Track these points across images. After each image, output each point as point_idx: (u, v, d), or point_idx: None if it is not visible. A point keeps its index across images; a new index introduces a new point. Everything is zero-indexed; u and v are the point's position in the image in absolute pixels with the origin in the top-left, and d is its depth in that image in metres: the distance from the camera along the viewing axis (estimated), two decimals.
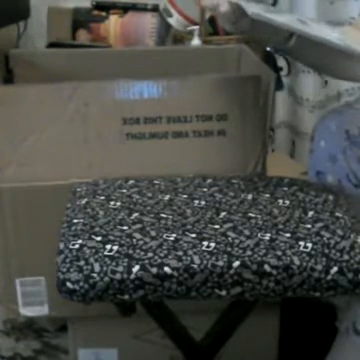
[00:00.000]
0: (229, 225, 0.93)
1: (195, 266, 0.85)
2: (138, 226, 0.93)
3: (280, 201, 1.01)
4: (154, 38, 1.95)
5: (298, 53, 1.14)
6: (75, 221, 0.95)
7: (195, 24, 1.87)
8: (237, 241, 0.89)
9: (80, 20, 2.02)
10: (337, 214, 0.97)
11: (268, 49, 1.88)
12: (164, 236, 0.90)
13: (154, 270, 0.85)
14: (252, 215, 0.96)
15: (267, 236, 0.90)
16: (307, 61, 1.21)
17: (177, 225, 0.93)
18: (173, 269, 0.85)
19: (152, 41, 1.95)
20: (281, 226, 0.93)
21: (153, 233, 0.91)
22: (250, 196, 1.03)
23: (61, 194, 1.09)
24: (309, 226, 0.93)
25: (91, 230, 0.92)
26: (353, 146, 1.11)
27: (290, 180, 1.09)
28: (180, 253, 0.86)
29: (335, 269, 0.86)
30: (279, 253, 0.87)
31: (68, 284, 0.85)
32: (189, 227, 0.92)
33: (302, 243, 0.89)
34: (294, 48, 1.10)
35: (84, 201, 1.02)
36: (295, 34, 1.08)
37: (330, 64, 1.15)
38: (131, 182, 1.09)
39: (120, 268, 0.85)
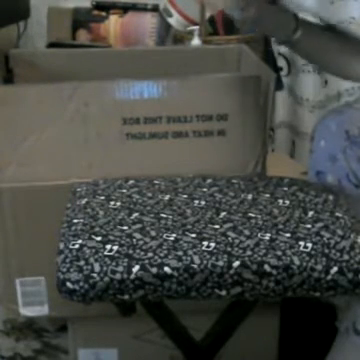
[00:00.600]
0: (229, 225, 0.93)
1: (195, 266, 0.85)
2: (138, 226, 0.93)
3: (280, 201, 1.01)
4: (154, 38, 1.95)
5: (301, 47, 1.14)
6: (75, 221, 0.95)
7: (195, 24, 1.86)
8: (237, 241, 0.89)
9: (80, 20, 2.02)
10: (337, 214, 0.97)
11: (272, 40, 1.89)
12: (164, 236, 0.90)
13: (154, 270, 0.85)
14: (252, 215, 0.96)
15: (267, 236, 0.90)
16: (309, 56, 1.21)
17: (177, 225, 0.93)
18: (173, 269, 0.85)
19: (152, 41, 1.95)
20: (281, 226, 0.93)
21: (153, 233, 0.91)
22: (250, 196, 1.03)
23: (61, 194, 1.09)
24: (309, 226, 0.93)
25: (91, 230, 0.92)
26: (353, 146, 1.11)
27: (290, 180, 1.09)
28: (180, 253, 0.86)
29: (335, 269, 0.86)
30: (279, 253, 0.87)
31: (68, 284, 0.85)
32: (189, 227, 0.92)
33: (302, 243, 0.89)
34: (298, 41, 1.11)
35: (84, 201, 1.02)
36: (300, 27, 1.08)
37: (331, 61, 1.15)
38: (131, 182, 1.09)
39: (120, 268, 0.85)
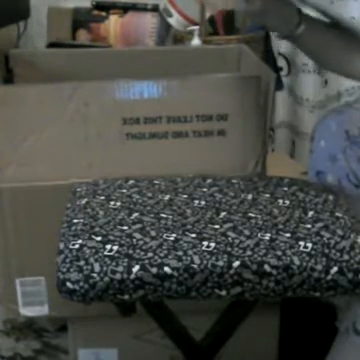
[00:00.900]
0: (229, 225, 0.93)
1: (195, 266, 0.85)
2: (138, 226, 0.93)
3: (280, 201, 1.01)
4: (154, 38, 1.96)
5: (303, 42, 1.14)
6: (75, 221, 0.95)
7: (195, 24, 1.86)
8: (237, 241, 0.89)
9: (80, 20, 2.03)
10: (337, 214, 0.97)
11: (272, 39, 1.89)
12: (164, 236, 0.90)
13: (154, 270, 0.85)
14: (252, 215, 0.96)
15: (267, 236, 0.90)
16: (310, 52, 1.21)
17: (177, 225, 0.93)
18: (173, 269, 0.85)
19: (152, 41, 1.95)
20: (281, 226, 0.93)
21: (153, 233, 0.91)
22: (250, 196, 1.03)
23: (61, 194, 1.09)
24: (309, 226, 0.93)
25: (91, 230, 0.92)
26: (353, 146, 1.11)
27: (290, 180, 1.09)
28: (180, 253, 0.86)
29: (335, 269, 0.86)
30: (279, 253, 0.87)
31: (68, 284, 0.85)
32: (189, 227, 0.92)
33: (302, 243, 0.89)
34: (300, 36, 1.11)
35: (84, 201, 1.02)
36: (303, 22, 1.09)
37: (333, 58, 1.16)
38: (131, 182, 1.09)
39: (120, 268, 0.85)
